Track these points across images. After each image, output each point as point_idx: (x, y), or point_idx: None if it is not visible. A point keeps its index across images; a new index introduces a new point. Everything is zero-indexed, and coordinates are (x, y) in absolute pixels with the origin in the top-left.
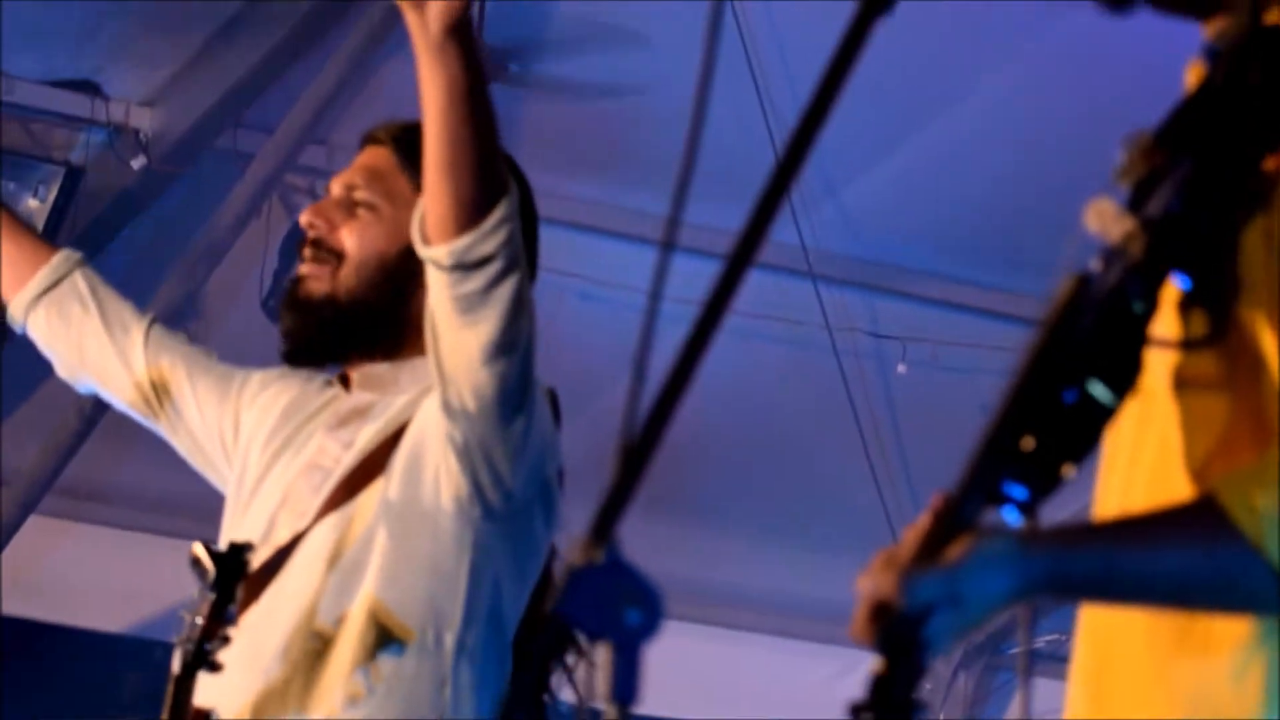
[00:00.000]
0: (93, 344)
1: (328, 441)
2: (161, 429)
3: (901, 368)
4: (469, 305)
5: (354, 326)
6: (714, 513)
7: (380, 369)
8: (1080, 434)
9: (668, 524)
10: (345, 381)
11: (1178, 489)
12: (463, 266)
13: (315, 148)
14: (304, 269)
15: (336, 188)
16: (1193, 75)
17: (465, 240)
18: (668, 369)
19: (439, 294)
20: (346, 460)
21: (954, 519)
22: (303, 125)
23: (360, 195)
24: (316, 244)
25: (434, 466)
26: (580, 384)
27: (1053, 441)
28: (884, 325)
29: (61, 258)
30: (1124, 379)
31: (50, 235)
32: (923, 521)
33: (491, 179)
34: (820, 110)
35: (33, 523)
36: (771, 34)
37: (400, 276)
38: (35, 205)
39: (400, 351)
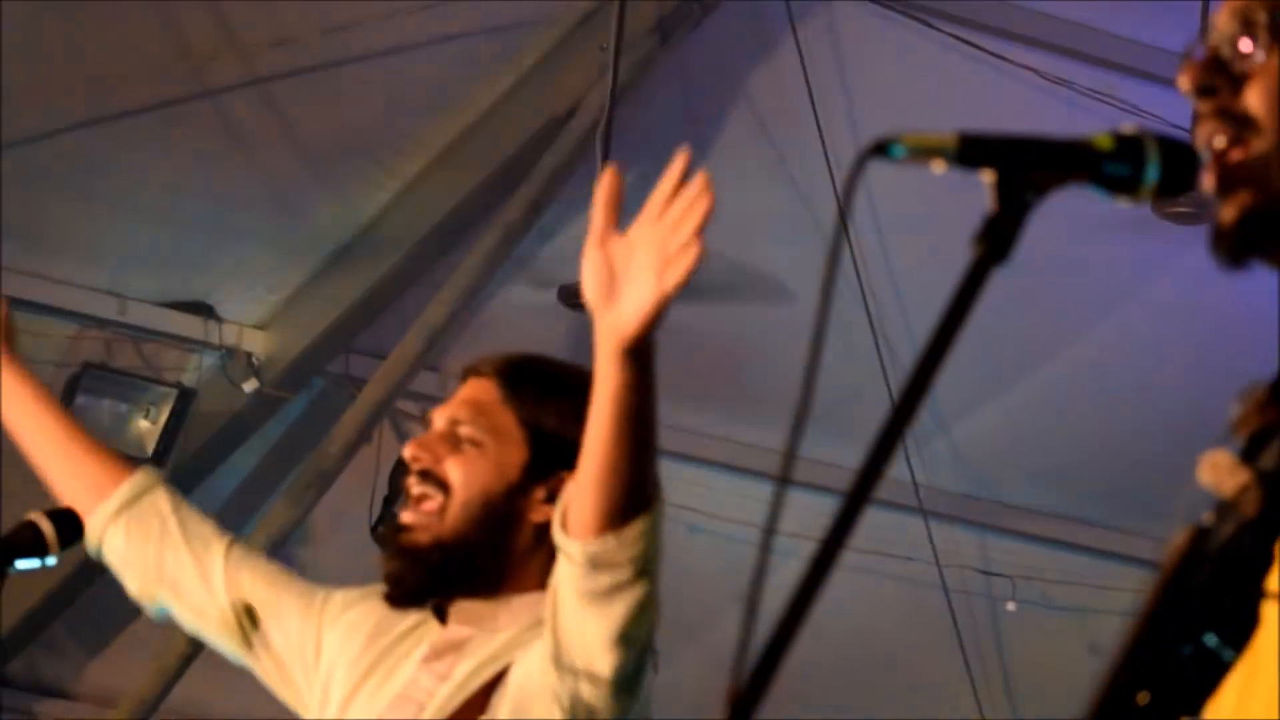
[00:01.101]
0: (171, 560)
1: (421, 674)
2: (243, 655)
3: (1011, 605)
4: (594, 599)
5: (458, 567)
6: None
7: (479, 605)
8: (1196, 688)
9: None
10: (439, 612)
11: None
12: (593, 565)
13: (428, 374)
14: (408, 517)
15: (440, 421)
16: None
17: (601, 544)
18: (779, 607)
19: (566, 577)
20: (442, 694)
21: None
22: (415, 351)
23: (465, 430)
24: (424, 475)
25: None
26: (690, 616)
27: (1169, 696)
28: (994, 562)
29: (142, 474)
30: (1240, 633)
31: (160, 457)
32: None
33: (641, 491)
34: (936, 354)
35: None
36: (887, 274)
37: (505, 515)
38: (146, 426)
39: (501, 588)
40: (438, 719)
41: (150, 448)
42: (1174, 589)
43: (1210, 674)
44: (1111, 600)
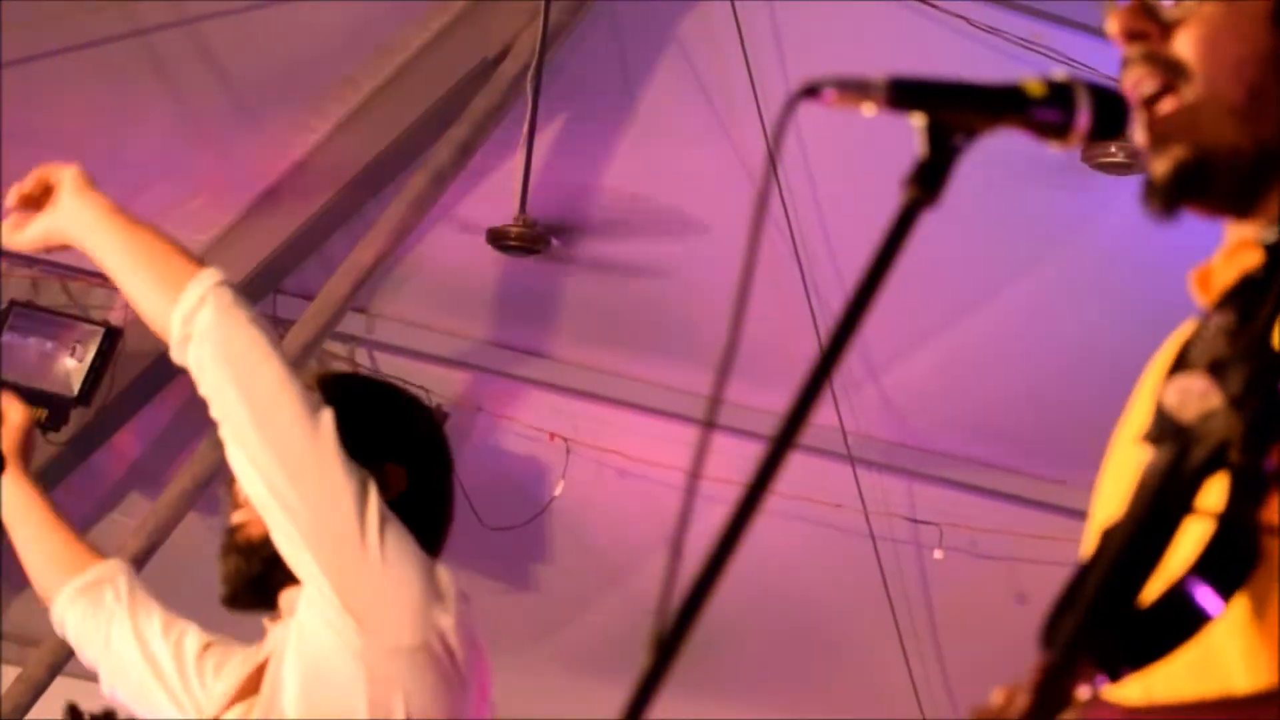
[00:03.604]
0: (118, 634)
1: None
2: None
3: (938, 553)
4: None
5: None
6: (744, 691)
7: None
8: (1170, 631)
9: (698, 703)
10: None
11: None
12: (179, 340)
13: (355, 315)
14: (239, 516)
15: None
16: (1227, 260)
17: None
18: (704, 552)
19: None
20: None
21: (1059, 683)
22: (343, 293)
23: None
24: None
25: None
26: (616, 560)
27: (1140, 636)
28: (921, 510)
29: (108, 565)
30: (1229, 573)
31: (86, 395)
32: (1027, 684)
33: (168, 279)
34: (865, 297)
35: (59, 684)
36: (817, 219)
37: None
38: (73, 365)
39: None
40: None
41: (76, 386)
42: (1150, 517)
43: (1187, 620)
44: (1038, 549)
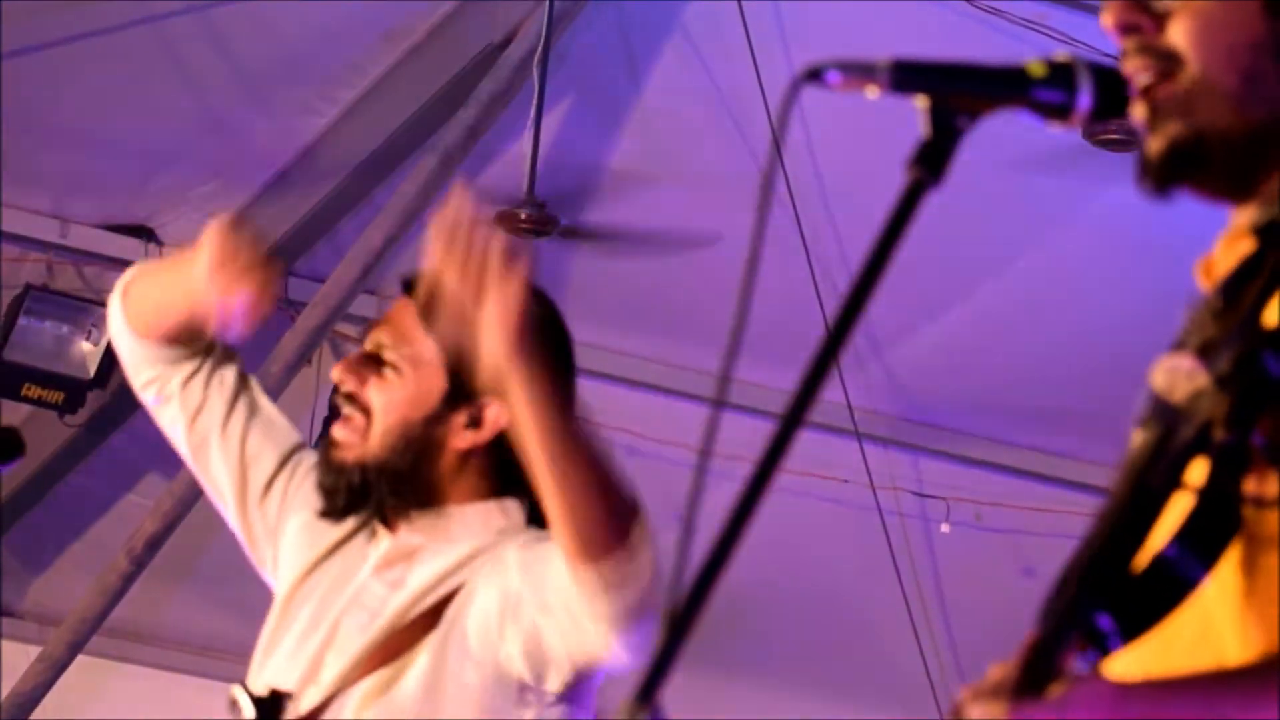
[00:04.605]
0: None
1: (373, 582)
2: (232, 506)
3: (945, 527)
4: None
5: (382, 487)
6: (755, 667)
7: (426, 515)
8: (1156, 602)
9: (709, 678)
10: (386, 522)
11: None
12: (609, 588)
13: (366, 297)
14: (337, 431)
15: (370, 342)
16: (1227, 248)
17: (614, 565)
18: (715, 531)
19: (571, 593)
20: (396, 602)
21: (1047, 656)
22: (353, 275)
23: (388, 355)
24: (350, 397)
25: (496, 643)
26: None
27: (1128, 610)
28: (928, 485)
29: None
30: (1207, 545)
31: (102, 379)
32: (1016, 658)
33: (616, 499)
34: (871, 277)
35: (80, 662)
36: (821, 199)
37: (424, 443)
38: (88, 348)
39: (435, 502)
40: (396, 625)
41: (92, 369)
42: (1137, 495)
43: (1171, 588)
44: (1045, 522)
